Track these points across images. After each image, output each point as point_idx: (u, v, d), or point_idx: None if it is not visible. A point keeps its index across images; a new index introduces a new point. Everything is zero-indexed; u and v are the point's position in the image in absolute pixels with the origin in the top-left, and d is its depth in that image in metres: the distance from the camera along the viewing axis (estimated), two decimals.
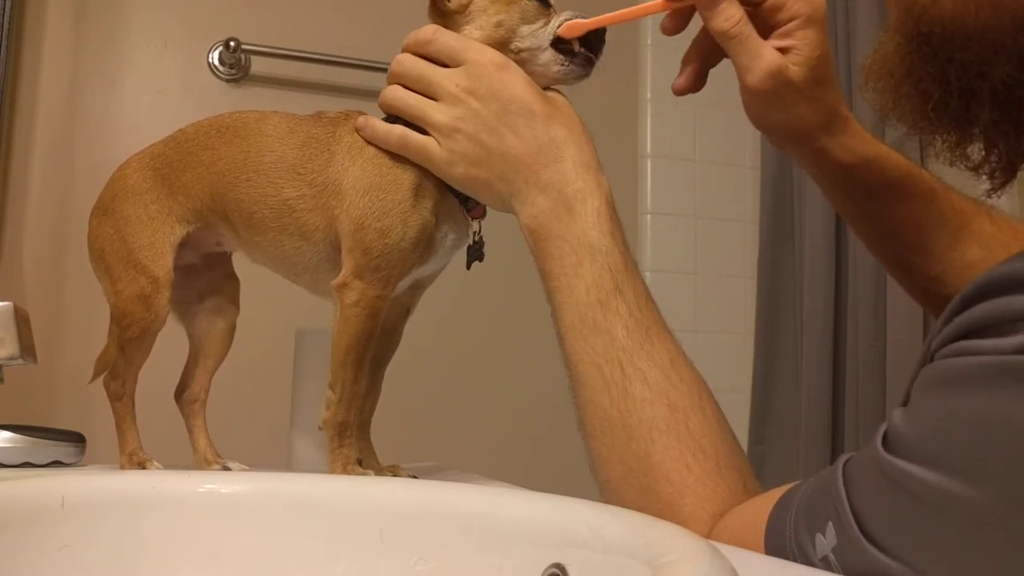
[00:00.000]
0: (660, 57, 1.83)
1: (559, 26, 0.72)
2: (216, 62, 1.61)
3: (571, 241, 0.66)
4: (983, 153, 0.59)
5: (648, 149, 1.87)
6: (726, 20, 0.67)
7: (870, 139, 0.76)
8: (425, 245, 0.73)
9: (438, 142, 0.70)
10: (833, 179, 0.77)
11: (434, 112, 0.71)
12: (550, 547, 0.45)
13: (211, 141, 0.77)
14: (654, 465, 0.59)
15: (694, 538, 0.40)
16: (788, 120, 0.72)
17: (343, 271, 0.72)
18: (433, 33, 0.73)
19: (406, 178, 0.72)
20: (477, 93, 0.70)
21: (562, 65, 0.72)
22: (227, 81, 1.62)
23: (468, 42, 0.72)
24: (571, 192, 0.67)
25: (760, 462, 1.69)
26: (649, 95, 1.84)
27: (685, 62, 0.75)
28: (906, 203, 0.78)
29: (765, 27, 0.69)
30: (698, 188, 1.90)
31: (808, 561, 0.47)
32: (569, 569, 0.44)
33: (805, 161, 0.77)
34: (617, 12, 0.71)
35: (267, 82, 1.63)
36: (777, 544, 0.50)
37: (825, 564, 0.46)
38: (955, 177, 0.64)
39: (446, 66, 0.72)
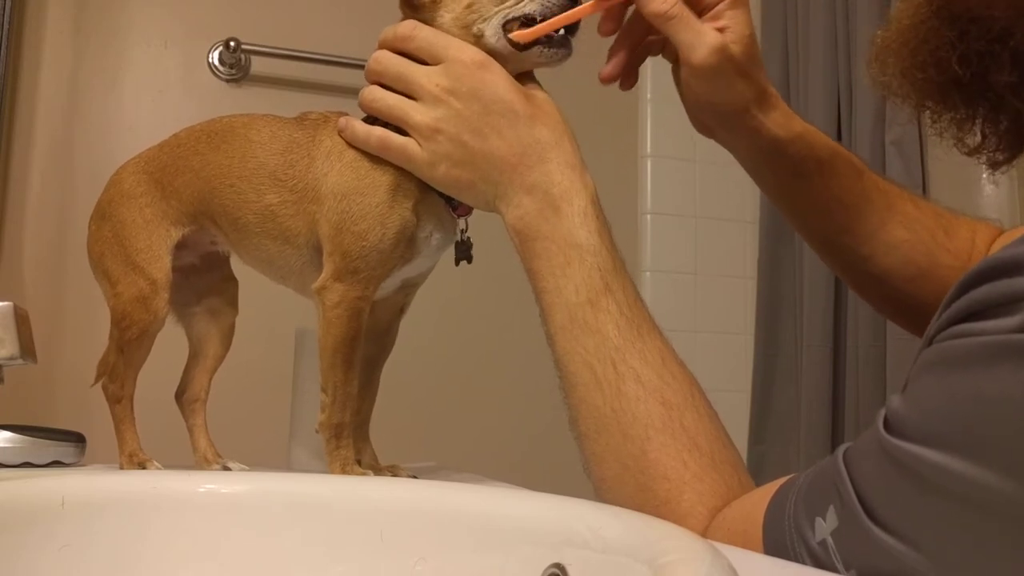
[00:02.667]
0: (660, 57, 1.83)
1: (505, 19, 0.70)
2: (216, 62, 1.61)
3: (558, 241, 0.65)
4: (981, 137, 0.60)
5: (648, 149, 1.87)
6: (663, 3, 0.69)
7: (797, 117, 0.78)
8: (406, 245, 0.72)
9: (419, 143, 0.70)
10: (765, 157, 0.79)
11: (414, 113, 0.70)
12: (550, 547, 0.45)
13: (201, 146, 0.78)
14: (650, 463, 0.59)
15: (694, 538, 0.40)
16: (729, 98, 0.73)
17: (323, 274, 0.72)
18: (412, 29, 0.71)
19: (383, 181, 0.71)
20: (458, 93, 0.69)
21: (542, 52, 0.70)
22: (227, 81, 1.62)
23: (448, 39, 0.70)
24: (557, 192, 0.66)
25: (760, 462, 1.69)
26: (649, 95, 1.84)
27: (612, 53, 0.76)
28: (835, 180, 0.79)
29: (694, 13, 0.71)
30: (698, 188, 1.90)
31: (806, 545, 0.47)
32: (569, 569, 0.44)
33: (739, 141, 0.79)
34: (557, 17, 0.70)
35: (267, 82, 1.63)
36: (775, 533, 0.50)
37: (823, 547, 0.46)
38: (953, 163, 0.65)
39: (425, 63, 0.71)
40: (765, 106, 0.75)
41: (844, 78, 1.63)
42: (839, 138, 1.62)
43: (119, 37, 1.57)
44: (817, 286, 1.62)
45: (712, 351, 1.84)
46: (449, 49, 0.70)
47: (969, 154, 0.63)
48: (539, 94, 0.71)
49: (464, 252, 0.77)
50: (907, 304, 0.83)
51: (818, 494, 0.48)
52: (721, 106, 0.75)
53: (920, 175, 1.47)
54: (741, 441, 1.66)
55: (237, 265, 0.84)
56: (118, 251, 0.77)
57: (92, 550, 0.51)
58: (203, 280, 0.83)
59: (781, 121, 0.76)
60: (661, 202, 1.88)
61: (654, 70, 1.88)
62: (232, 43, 1.56)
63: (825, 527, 0.46)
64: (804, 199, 0.81)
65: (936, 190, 1.45)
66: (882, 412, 0.45)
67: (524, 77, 0.72)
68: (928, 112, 0.64)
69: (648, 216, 1.86)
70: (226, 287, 0.84)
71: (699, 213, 1.90)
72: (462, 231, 0.76)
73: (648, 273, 1.83)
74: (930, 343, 0.45)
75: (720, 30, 0.70)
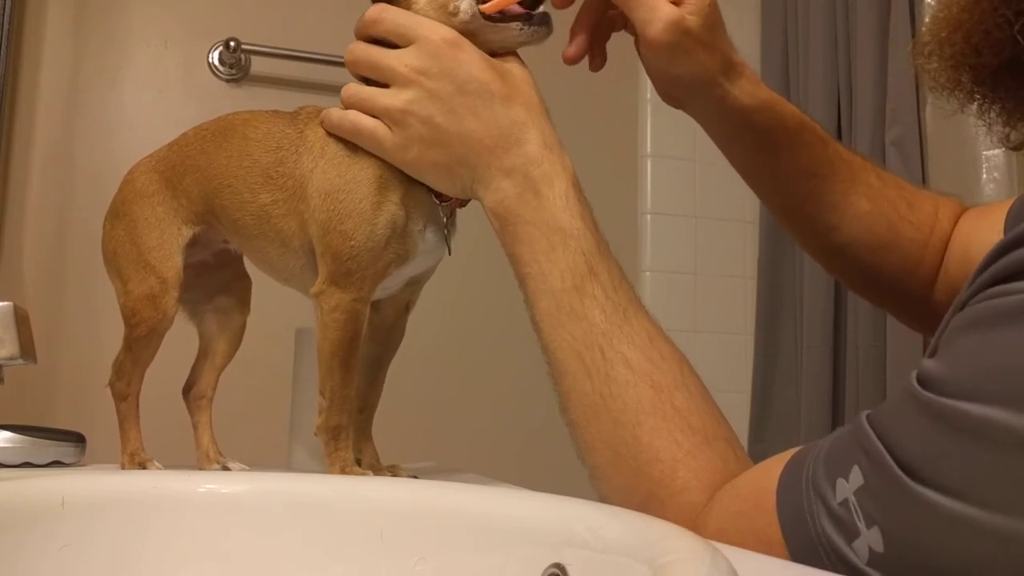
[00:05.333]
0: None
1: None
2: (216, 62, 1.61)
3: (540, 226, 0.64)
4: None
5: (648, 149, 1.87)
6: None
7: (764, 86, 0.78)
8: (399, 242, 0.71)
9: (389, 128, 0.68)
10: (733, 127, 0.79)
11: (383, 98, 0.68)
12: (550, 547, 0.45)
13: (206, 145, 0.78)
14: (643, 447, 0.58)
15: (694, 538, 0.40)
16: (690, 70, 0.73)
17: (319, 278, 0.71)
18: (379, 12, 0.69)
19: (365, 176, 0.70)
20: (429, 73, 0.67)
21: (521, 30, 0.68)
22: (227, 81, 1.62)
23: (417, 19, 0.68)
24: (537, 175, 0.65)
25: (760, 461, 1.68)
26: (649, 95, 1.84)
27: (573, 33, 0.76)
28: (802, 150, 0.80)
29: None
30: (698, 188, 1.90)
31: (826, 506, 0.47)
32: (569, 569, 0.44)
33: (706, 112, 0.78)
34: None
35: (267, 82, 1.63)
36: (791, 497, 0.50)
37: (844, 507, 0.46)
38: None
39: (399, 47, 0.69)
40: (731, 75, 0.75)
41: (844, 78, 1.63)
42: (839, 138, 1.62)
43: (119, 37, 1.57)
44: (817, 286, 1.62)
45: (712, 351, 1.84)
46: (419, 28, 0.68)
47: (1015, 148, 0.63)
48: (515, 71, 0.69)
49: (447, 241, 0.74)
50: (868, 274, 0.84)
51: (840, 456, 0.48)
52: (684, 78, 0.74)
53: (920, 175, 1.46)
54: (741, 441, 1.66)
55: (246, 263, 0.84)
56: (130, 249, 0.77)
57: (92, 550, 0.51)
58: (215, 278, 0.83)
59: (748, 89, 0.76)
60: (661, 202, 1.87)
61: None
62: (232, 43, 1.56)
63: (848, 487, 0.46)
64: (770, 168, 0.82)
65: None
66: (913, 375, 0.45)
67: (507, 53, 0.70)
68: (977, 104, 0.63)
69: (648, 216, 1.86)
70: (238, 285, 0.84)
71: (699, 213, 1.90)
72: (447, 217, 0.73)
73: (648, 273, 1.83)
74: (962, 308, 0.45)
75: (676, 3, 0.70)
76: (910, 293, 0.83)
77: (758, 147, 0.80)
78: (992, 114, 0.61)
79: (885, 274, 0.82)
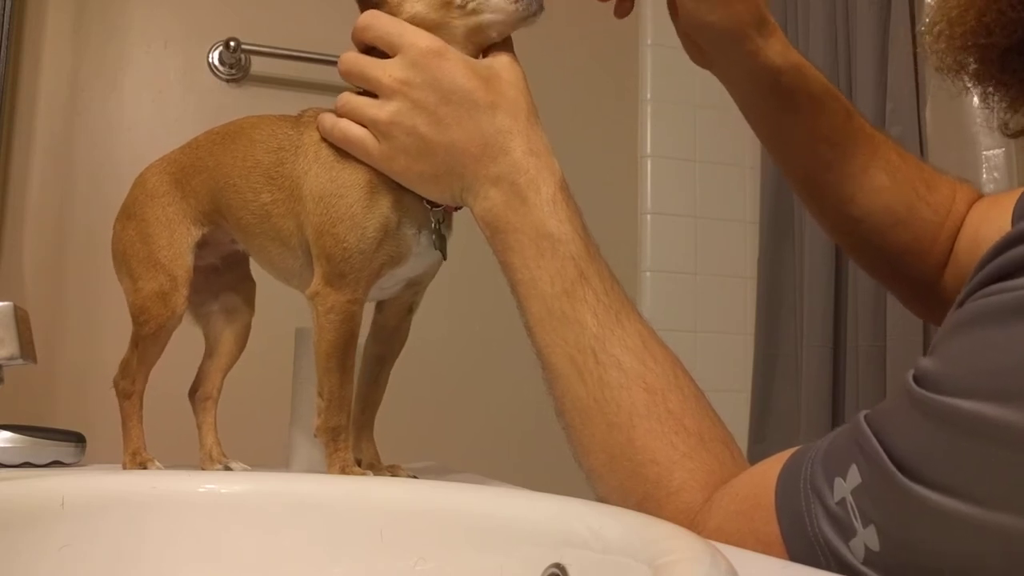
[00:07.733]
0: (660, 57, 1.83)
1: None
2: (216, 62, 1.61)
3: (529, 232, 0.64)
4: None
5: (648, 149, 1.87)
6: None
7: (794, 50, 0.78)
8: (392, 244, 0.71)
9: (376, 138, 0.68)
10: (760, 87, 0.79)
11: (369, 109, 0.69)
12: (550, 547, 0.45)
13: (215, 147, 0.79)
14: (637, 449, 0.58)
15: (694, 538, 0.40)
16: (726, 17, 0.73)
17: (314, 279, 0.72)
18: (369, 19, 0.70)
19: (356, 181, 0.70)
20: (413, 83, 0.67)
21: (516, 3, 0.68)
22: (227, 81, 1.62)
23: (403, 27, 0.68)
24: (523, 182, 0.65)
25: (760, 461, 1.68)
26: (649, 95, 1.84)
27: None
28: (824, 117, 0.80)
29: None
30: (698, 188, 1.89)
31: (823, 505, 0.47)
32: (569, 569, 0.44)
33: (736, 67, 0.78)
34: None
35: (267, 82, 1.63)
36: (789, 496, 0.50)
37: (841, 506, 0.46)
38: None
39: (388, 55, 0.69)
40: (764, 32, 0.75)
41: (844, 78, 1.63)
42: None
43: (119, 37, 1.57)
44: (817, 286, 1.62)
45: (712, 351, 1.84)
46: (404, 36, 0.68)
47: (1013, 136, 0.64)
48: (503, 75, 0.69)
49: (440, 245, 0.74)
50: (880, 251, 0.84)
51: (838, 455, 0.48)
52: (718, 26, 0.74)
53: None
54: (741, 441, 1.66)
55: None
56: (141, 248, 0.78)
57: (92, 550, 0.51)
58: (222, 279, 0.84)
59: (779, 49, 0.76)
60: (661, 202, 1.87)
61: (653, 69, 1.89)
62: (232, 43, 1.56)
63: (845, 486, 0.46)
64: (793, 133, 0.82)
65: None
66: (910, 374, 0.45)
67: (500, 47, 0.70)
68: (982, 88, 0.63)
69: (648, 216, 1.86)
70: (243, 287, 0.85)
71: (699, 213, 1.90)
72: (438, 222, 0.73)
73: (648, 273, 1.83)
74: (961, 305, 0.45)
75: None
76: (919, 276, 0.83)
77: (783, 110, 0.80)
78: (996, 98, 0.61)
79: (897, 253, 0.82)
